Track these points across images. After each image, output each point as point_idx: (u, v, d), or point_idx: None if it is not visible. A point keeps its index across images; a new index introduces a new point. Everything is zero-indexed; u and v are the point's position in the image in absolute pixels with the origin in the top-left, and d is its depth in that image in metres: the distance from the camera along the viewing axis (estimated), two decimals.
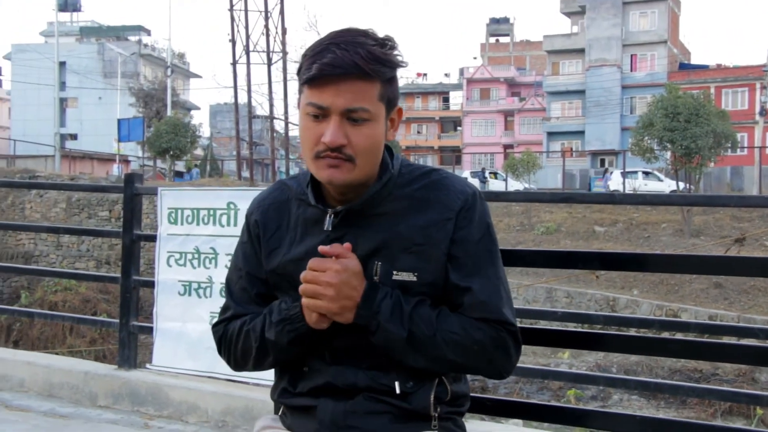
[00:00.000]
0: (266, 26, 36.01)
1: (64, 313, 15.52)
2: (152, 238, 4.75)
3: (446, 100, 77.74)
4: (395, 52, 1.86)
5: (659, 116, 28.89)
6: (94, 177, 35.56)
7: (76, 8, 71.96)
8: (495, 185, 42.10)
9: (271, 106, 36.13)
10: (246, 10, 36.34)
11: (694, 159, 28.90)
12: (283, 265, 1.95)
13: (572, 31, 65.62)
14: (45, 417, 4.34)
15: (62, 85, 57.79)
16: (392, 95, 1.88)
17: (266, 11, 36.11)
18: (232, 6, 36.27)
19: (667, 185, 35.71)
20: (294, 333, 1.88)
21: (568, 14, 66.18)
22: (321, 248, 1.83)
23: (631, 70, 59.17)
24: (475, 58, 78.78)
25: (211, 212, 4.49)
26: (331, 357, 1.90)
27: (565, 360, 15.83)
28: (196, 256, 4.52)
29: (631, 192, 31.66)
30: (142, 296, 5.17)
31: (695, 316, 18.67)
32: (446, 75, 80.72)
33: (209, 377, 4.45)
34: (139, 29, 71.71)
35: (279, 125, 39.62)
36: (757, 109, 50.95)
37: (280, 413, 2.03)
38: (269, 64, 35.96)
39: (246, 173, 37.23)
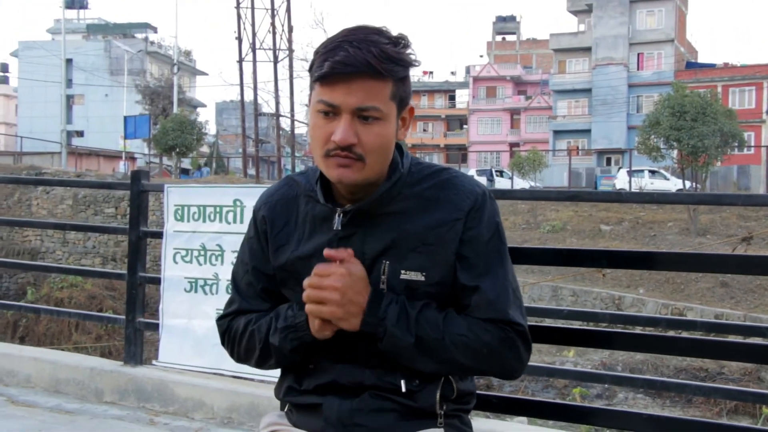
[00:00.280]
0: (272, 24, 36.03)
1: (70, 309, 15.57)
2: (158, 235, 4.75)
3: (452, 98, 77.72)
4: (408, 51, 1.84)
5: (666, 115, 28.83)
6: (101, 174, 35.63)
7: (83, 5, 72.16)
8: (500, 183, 42.06)
9: (277, 103, 36.13)
10: (252, 8, 36.35)
11: (700, 158, 28.83)
12: (291, 262, 1.94)
13: (579, 29, 65.53)
14: (51, 413, 4.35)
15: (69, 82, 57.88)
16: (404, 94, 1.87)
17: (273, 9, 36.12)
18: (238, 3, 36.28)
19: (673, 184, 35.65)
20: (297, 341, 1.88)
21: (575, 12, 66.08)
22: (326, 252, 1.82)
23: (638, 69, 59.07)
24: (481, 56, 78.88)
25: (218, 209, 4.49)
26: (337, 355, 1.90)
27: (570, 358, 15.81)
28: (202, 253, 4.52)
29: (638, 190, 31.64)
30: (148, 293, 5.17)
31: (701, 314, 18.62)
32: (452, 73, 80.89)
33: (215, 374, 4.46)
34: (145, 26, 71.81)
35: (285, 123, 39.60)
36: (764, 107, 50.92)
37: (286, 410, 2.03)
38: (275, 61, 35.98)
39: (252, 171, 37.28)
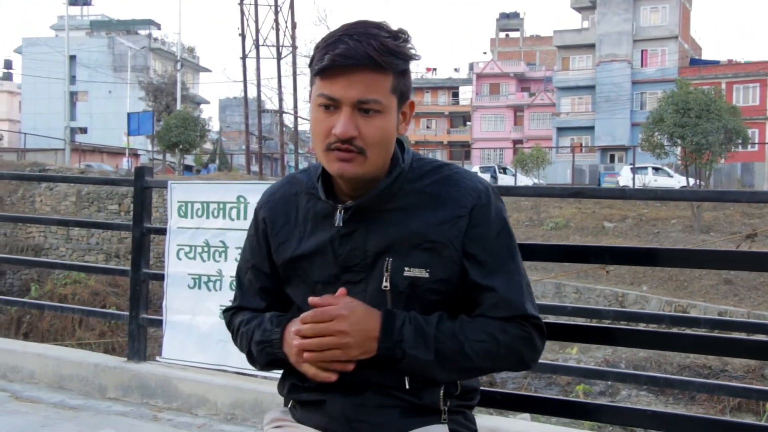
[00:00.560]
0: (276, 20, 36.00)
1: (73, 305, 15.58)
2: (162, 232, 4.76)
3: (456, 95, 77.61)
4: (408, 45, 1.84)
5: (670, 112, 28.77)
6: (104, 170, 35.65)
7: (87, 2, 72.17)
8: (503, 180, 42.02)
9: (281, 100, 36.12)
10: (256, 4, 36.34)
11: (704, 155, 28.78)
12: (294, 260, 1.95)
13: (583, 26, 65.46)
14: (55, 408, 4.36)
15: (72, 79, 57.98)
16: (405, 88, 1.86)
17: (276, 5, 36.10)
18: (242, 0, 36.27)
19: (677, 181, 35.60)
20: (271, 356, 1.92)
21: (579, 9, 66.00)
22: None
23: (642, 66, 58.99)
24: (484, 53, 78.81)
25: (221, 206, 4.49)
26: None
27: (573, 355, 15.81)
28: (205, 249, 4.52)
29: (641, 187, 31.57)
30: (152, 289, 5.18)
31: (705, 312, 18.62)
32: (456, 70, 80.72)
33: (218, 370, 4.46)
34: (149, 23, 71.83)
35: (288, 119, 39.65)
36: None
37: (289, 406, 2.03)
38: (279, 58, 35.95)
39: (255, 167, 37.27)
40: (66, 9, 48.44)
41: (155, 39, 69.09)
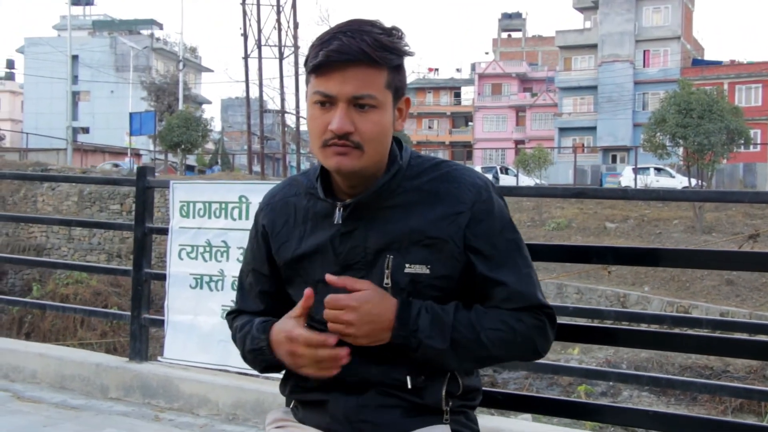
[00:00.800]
0: (278, 20, 35.97)
1: (75, 305, 15.59)
2: (164, 231, 4.76)
3: (458, 95, 77.58)
4: (402, 41, 1.85)
5: (672, 112, 28.76)
6: (106, 170, 35.67)
7: (89, 2, 72.18)
8: (505, 181, 41.99)
9: (283, 100, 36.10)
10: (258, 4, 36.31)
11: (706, 155, 28.77)
12: (295, 260, 1.96)
13: (585, 26, 65.44)
14: (56, 408, 4.36)
15: (75, 79, 58.03)
16: (399, 84, 1.87)
17: (278, 5, 36.08)
18: (244, 0, 36.27)
19: (679, 181, 35.59)
20: (265, 363, 1.95)
21: (581, 9, 65.98)
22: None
23: (644, 66, 58.96)
24: (486, 53, 78.79)
25: (223, 206, 4.49)
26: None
27: (575, 356, 15.81)
28: (207, 249, 4.52)
29: (643, 188, 31.55)
30: (154, 289, 5.18)
31: (706, 312, 18.60)
32: (458, 70, 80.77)
33: (220, 370, 4.46)
34: (151, 23, 71.86)
35: (290, 120, 39.61)
36: None
37: (291, 406, 2.04)
38: (281, 58, 35.93)
39: (257, 167, 37.26)
40: (68, 9, 48.41)
41: (157, 39, 69.13)
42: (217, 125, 67.09)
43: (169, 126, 38.30)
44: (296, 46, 35.95)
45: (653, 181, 36.46)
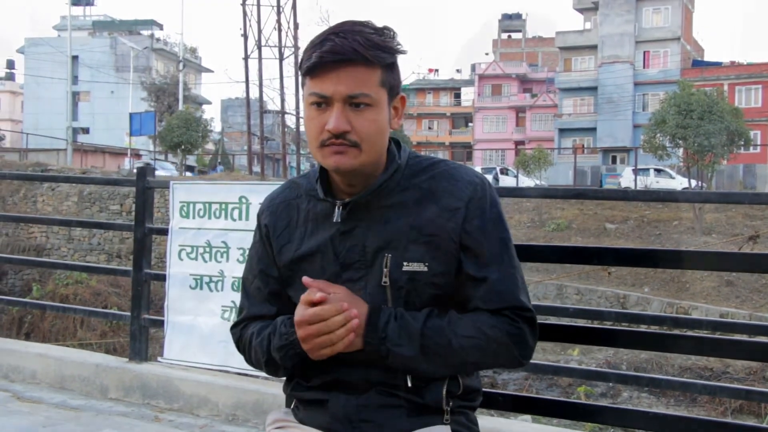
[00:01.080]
0: (278, 21, 36.01)
1: (75, 306, 15.59)
2: (164, 232, 4.75)
3: (458, 96, 77.57)
4: (394, 40, 1.87)
5: (672, 113, 28.77)
6: (106, 171, 35.66)
7: (89, 2, 72.16)
8: (505, 181, 41.96)
9: (283, 101, 36.14)
10: (258, 5, 36.34)
11: (706, 156, 28.77)
12: (295, 260, 1.96)
13: (585, 27, 65.41)
14: (56, 409, 4.36)
15: (75, 79, 58.02)
16: (393, 82, 1.89)
17: (278, 6, 36.11)
18: (244, 1, 36.27)
19: (679, 183, 35.59)
20: (297, 357, 1.90)
21: (581, 10, 65.96)
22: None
23: (644, 67, 58.94)
24: (487, 54, 78.56)
25: (223, 206, 4.49)
26: (344, 352, 1.89)
27: (574, 357, 15.82)
28: (207, 249, 4.52)
29: (643, 189, 31.56)
30: (154, 290, 5.18)
31: (706, 313, 18.60)
32: (458, 71, 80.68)
33: (220, 371, 4.46)
34: (151, 23, 71.84)
35: (290, 120, 39.63)
36: None
37: (292, 406, 2.04)
38: (281, 59, 35.97)
39: (257, 168, 37.27)
40: (69, 9, 48.43)
41: (158, 39, 69.09)
42: (217, 126, 67.14)
43: (169, 126, 38.29)
44: (296, 47, 35.98)
45: (653, 182, 36.46)
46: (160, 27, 72.68)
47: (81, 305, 16.88)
